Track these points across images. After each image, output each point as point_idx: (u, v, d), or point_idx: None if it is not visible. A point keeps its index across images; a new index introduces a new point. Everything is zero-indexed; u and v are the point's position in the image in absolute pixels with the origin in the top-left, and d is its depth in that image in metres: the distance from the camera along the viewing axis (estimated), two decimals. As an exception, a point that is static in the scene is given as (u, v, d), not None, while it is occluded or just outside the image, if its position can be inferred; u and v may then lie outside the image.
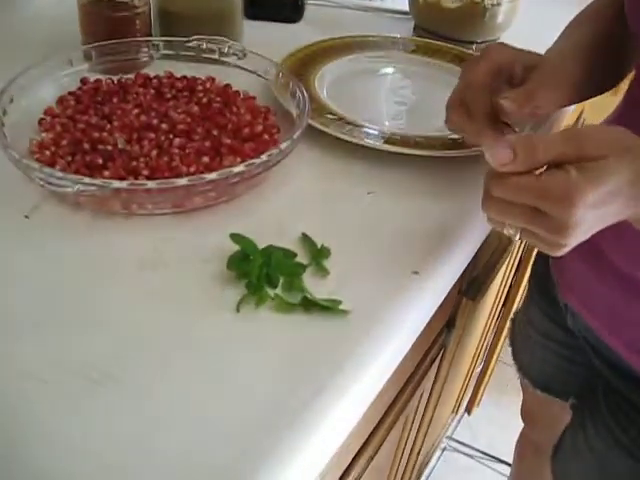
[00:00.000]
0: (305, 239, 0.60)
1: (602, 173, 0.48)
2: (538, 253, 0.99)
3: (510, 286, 1.37)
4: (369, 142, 0.71)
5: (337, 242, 0.60)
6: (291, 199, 0.66)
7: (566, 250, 0.51)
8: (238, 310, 0.53)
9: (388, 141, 0.71)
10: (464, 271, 0.70)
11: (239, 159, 0.66)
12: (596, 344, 0.78)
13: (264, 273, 0.54)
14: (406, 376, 0.82)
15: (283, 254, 0.56)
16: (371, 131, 0.73)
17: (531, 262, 1.04)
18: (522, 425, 1.15)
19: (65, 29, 0.84)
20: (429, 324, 0.62)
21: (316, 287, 0.55)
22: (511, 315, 1.08)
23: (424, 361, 0.88)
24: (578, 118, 1.23)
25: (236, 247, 0.56)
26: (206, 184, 0.58)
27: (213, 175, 0.58)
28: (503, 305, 1.41)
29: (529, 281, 1.01)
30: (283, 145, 0.62)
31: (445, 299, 0.64)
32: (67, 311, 0.52)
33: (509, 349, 1.04)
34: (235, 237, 0.56)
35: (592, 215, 0.49)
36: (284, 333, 0.52)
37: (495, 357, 1.55)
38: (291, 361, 0.50)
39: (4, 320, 0.51)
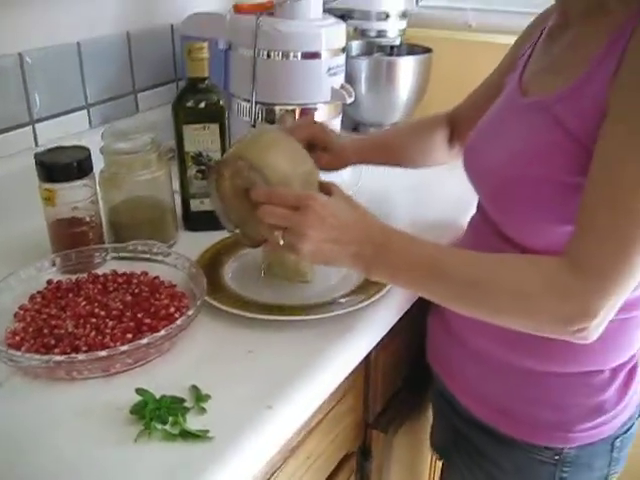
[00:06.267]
0: (193, 389, 0.84)
1: (339, 205, 0.87)
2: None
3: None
4: (248, 314, 0.96)
5: (219, 389, 0.84)
6: (189, 360, 0.91)
7: (304, 248, 0.85)
8: (135, 441, 0.76)
9: (266, 311, 0.97)
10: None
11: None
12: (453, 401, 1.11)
13: (157, 415, 0.78)
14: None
15: (172, 400, 0.81)
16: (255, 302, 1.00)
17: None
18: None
19: (37, 241, 1.13)
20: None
21: (196, 422, 0.79)
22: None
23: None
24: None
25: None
26: (120, 354, 0.83)
27: (125, 347, 0.83)
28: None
29: None
30: (179, 321, 0.88)
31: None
32: (26, 455, 0.76)
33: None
34: (139, 391, 0.81)
35: (322, 233, 0.83)
36: (167, 455, 0.75)
37: None
38: (170, 475, 0.73)
39: None
